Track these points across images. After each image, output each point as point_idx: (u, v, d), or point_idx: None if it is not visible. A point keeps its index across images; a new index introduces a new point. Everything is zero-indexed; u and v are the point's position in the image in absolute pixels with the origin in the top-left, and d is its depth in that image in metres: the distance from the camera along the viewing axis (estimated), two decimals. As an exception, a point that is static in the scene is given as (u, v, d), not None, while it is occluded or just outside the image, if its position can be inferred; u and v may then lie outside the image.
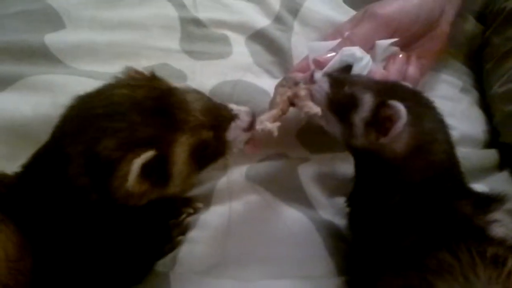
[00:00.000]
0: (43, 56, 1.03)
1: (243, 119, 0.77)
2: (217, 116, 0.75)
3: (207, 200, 0.92)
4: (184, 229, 0.88)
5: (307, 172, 0.95)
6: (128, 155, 0.63)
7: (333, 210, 0.91)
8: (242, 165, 0.96)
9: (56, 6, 1.11)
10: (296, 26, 1.19)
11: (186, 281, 0.77)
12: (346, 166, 0.94)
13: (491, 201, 0.74)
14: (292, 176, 0.94)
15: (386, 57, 1.02)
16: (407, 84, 0.89)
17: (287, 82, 0.88)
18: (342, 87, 0.82)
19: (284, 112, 0.84)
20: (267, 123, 0.78)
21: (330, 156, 0.99)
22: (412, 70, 1.02)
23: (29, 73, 0.99)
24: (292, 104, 0.85)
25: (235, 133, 0.77)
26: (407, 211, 0.75)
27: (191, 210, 0.89)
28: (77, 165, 0.66)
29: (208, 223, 0.87)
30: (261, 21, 1.17)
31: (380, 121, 0.77)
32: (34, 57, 1.02)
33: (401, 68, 1.01)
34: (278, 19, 1.18)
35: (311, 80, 0.85)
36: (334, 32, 1.07)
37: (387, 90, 0.81)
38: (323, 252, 0.84)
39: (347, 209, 0.86)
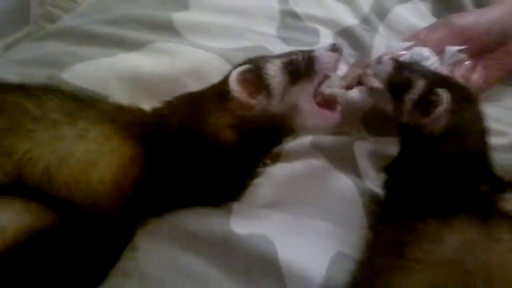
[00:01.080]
0: (168, 29, 1.29)
1: (325, 44, 0.97)
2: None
3: (276, 158, 1.10)
4: (253, 177, 1.07)
5: (361, 148, 1.10)
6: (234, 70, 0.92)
7: (377, 183, 1.05)
8: (310, 136, 1.14)
9: None
10: (381, 29, 1.35)
11: (245, 210, 0.96)
12: (396, 149, 1.08)
13: (508, 186, 0.85)
14: (348, 149, 1.09)
15: (454, 62, 1.14)
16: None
17: (360, 63, 1.05)
18: (402, 70, 0.97)
19: (351, 85, 1.00)
20: (335, 89, 0.96)
21: (385, 140, 1.13)
22: (476, 77, 1.13)
23: (155, 41, 1.25)
24: (359, 82, 1.01)
25: (319, 51, 0.96)
26: (434, 181, 0.88)
27: (261, 164, 1.09)
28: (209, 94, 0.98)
29: (273, 174, 1.05)
30: (350, 20, 1.35)
31: (426, 104, 0.91)
32: (161, 29, 1.29)
33: (465, 74, 1.12)
34: (365, 20, 1.36)
35: (379, 61, 1.01)
36: (412, 35, 1.21)
37: (439, 81, 0.95)
38: (360, 210, 0.98)
39: (385, 176, 1.00)
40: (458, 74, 1.12)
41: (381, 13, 1.37)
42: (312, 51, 0.96)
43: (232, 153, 0.97)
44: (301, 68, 0.94)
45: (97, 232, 0.88)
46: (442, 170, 0.89)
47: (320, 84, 0.97)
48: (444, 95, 0.88)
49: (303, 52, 0.97)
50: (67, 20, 1.46)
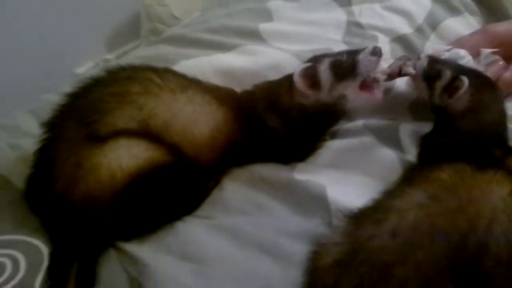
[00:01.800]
0: (255, 36, 1.60)
1: (369, 48, 1.16)
2: (351, 50, 1.22)
3: (334, 135, 1.37)
4: (316, 148, 1.34)
5: (405, 129, 1.33)
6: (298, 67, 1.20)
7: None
8: (363, 118, 1.40)
9: (270, 7, 1.71)
10: (433, 37, 1.58)
11: (306, 167, 1.25)
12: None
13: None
14: (394, 129, 1.33)
15: (488, 62, 1.36)
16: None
17: (403, 57, 1.32)
18: (435, 64, 1.22)
19: (393, 72, 1.27)
20: (379, 75, 1.22)
21: (425, 124, 1.35)
22: (508, 74, 1.34)
23: (245, 44, 1.56)
24: (400, 72, 1.28)
25: (363, 55, 1.15)
26: (457, 148, 1.12)
27: (322, 139, 1.36)
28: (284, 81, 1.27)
29: (331, 146, 1.32)
30: (405, 29, 1.59)
31: (452, 88, 1.16)
32: (250, 36, 1.59)
33: (497, 72, 1.34)
34: (419, 30, 1.60)
35: (418, 58, 1.27)
36: (455, 41, 1.45)
37: (464, 71, 1.19)
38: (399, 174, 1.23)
39: (420, 143, 1.24)
40: (491, 72, 1.33)
41: (433, 24, 1.60)
42: (357, 53, 1.17)
43: (298, 127, 1.26)
44: (344, 68, 1.16)
45: (198, 174, 1.21)
46: (462, 140, 1.13)
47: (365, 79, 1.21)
48: (465, 80, 1.12)
49: (349, 53, 1.19)
50: (175, 30, 1.83)
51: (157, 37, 1.89)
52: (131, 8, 2.29)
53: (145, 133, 1.10)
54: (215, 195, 1.21)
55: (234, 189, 1.20)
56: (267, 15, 1.68)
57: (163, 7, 2.06)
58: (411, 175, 1.06)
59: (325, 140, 1.37)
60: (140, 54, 1.72)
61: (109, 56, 2.32)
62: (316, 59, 1.23)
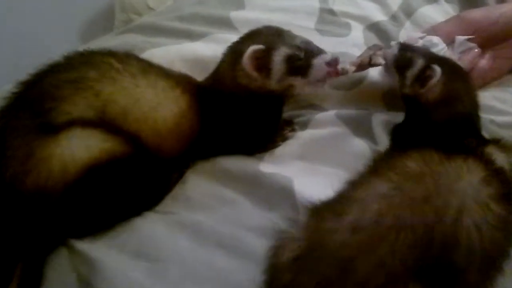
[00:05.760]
0: (226, 24, 1.55)
1: (328, 56, 1.12)
2: (310, 47, 1.14)
3: (305, 125, 1.32)
4: (284, 139, 1.28)
5: (378, 119, 1.29)
6: (250, 47, 1.11)
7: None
8: (335, 108, 1.36)
9: None
10: (407, 24, 1.55)
11: (274, 158, 1.20)
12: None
13: (490, 142, 1.03)
14: (366, 120, 1.29)
15: (463, 50, 1.31)
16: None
17: (374, 47, 1.27)
18: (406, 53, 1.18)
19: (363, 63, 1.22)
20: (348, 65, 1.18)
21: (398, 113, 1.31)
22: (483, 63, 1.31)
23: (214, 33, 1.51)
24: (370, 62, 1.23)
25: (319, 61, 1.11)
26: (427, 135, 1.07)
27: (289, 128, 1.31)
28: (227, 56, 1.22)
29: (300, 137, 1.28)
30: (379, 16, 1.55)
31: (423, 77, 1.12)
32: (221, 24, 1.55)
33: (473, 60, 1.30)
34: (393, 17, 1.56)
35: (389, 46, 1.22)
36: (430, 28, 1.40)
37: (436, 59, 1.14)
38: None
39: (391, 135, 1.20)
40: (466, 60, 1.29)
41: (409, 12, 1.57)
42: (314, 56, 1.12)
43: (244, 109, 1.19)
44: (298, 66, 1.12)
45: (159, 167, 1.14)
46: (435, 129, 1.08)
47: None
48: (437, 69, 1.08)
49: (307, 52, 1.13)
50: (145, 18, 1.76)
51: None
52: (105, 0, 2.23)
53: (102, 122, 1.04)
54: (178, 189, 1.15)
55: (198, 183, 1.15)
56: (239, 3, 1.63)
57: (137, -3, 1.95)
58: (377, 164, 1.01)
59: (294, 130, 1.33)
60: (107, 43, 1.62)
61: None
62: (272, 43, 1.14)
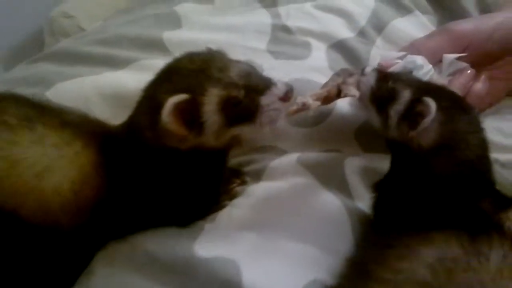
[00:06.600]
0: (158, 47, 1.27)
1: (280, 88, 0.85)
2: (254, 80, 0.85)
3: (258, 176, 1.02)
4: (232, 196, 0.99)
5: (353, 165, 1.01)
6: (170, 97, 0.78)
7: (369, 202, 0.95)
8: (296, 152, 1.05)
9: (179, 11, 1.38)
10: (379, 41, 1.27)
11: (216, 231, 0.88)
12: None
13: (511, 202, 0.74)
14: (337, 166, 1.00)
15: (453, 71, 1.05)
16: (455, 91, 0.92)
17: (343, 73, 0.97)
18: (386, 81, 0.88)
19: (330, 95, 0.92)
20: (309, 98, 0.87)
21: (379, 156, 1.03)
22: (479, 86, 1.03)
23: (142, 58, 1.23)
24: (339, 92, 0.93)
25: (269, 98, 0.84)
26: (429, 199, 0.78)
27: (238, 181, 1.01)
28: (143, 106, 0.88)
29: (253, 194, 0.97)
30: (345, 33, 1.27)
31: (413, 115, 0.82)
32: (151, 47, 1.27)
33: (466, 83, 1.03)
34: (362, 33, 1.27)
35: (362, 72, 0.93)
36: (409, 45, 1.13)
37: (427, 90, 0.85)
38: (348, 232, 0.88)
39: (374, 195, 0.90)
40: (458, 84, 1.02)
41: (379, 26, 1.29)
42: (260, 92, 0.85)
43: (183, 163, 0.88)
44: (240, 112, 0.84)
45: (51, 253, 0.81)
46: (436, 189, 0.79)
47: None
48: (430, 103, 0.79)
49: (251, 87, 0.85)
50: (62, 43, 1.47)
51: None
52: (34, 23, 1.99)
53: None
54: (81, 285, 0.83)
55: (107, 275, 0.83)
56: (175, 21, 1.36)
57: (69, 19, 1.80)
58: (365, 258, 0.70)
59: (245, 183, 1.02)
60: (15, 74, 1.35)
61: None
62: (197, 86, 0.83)
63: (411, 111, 0.83)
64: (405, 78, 0.90)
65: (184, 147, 0.84)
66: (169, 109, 0.78)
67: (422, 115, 0.80)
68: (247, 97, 0.83)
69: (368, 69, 0.93)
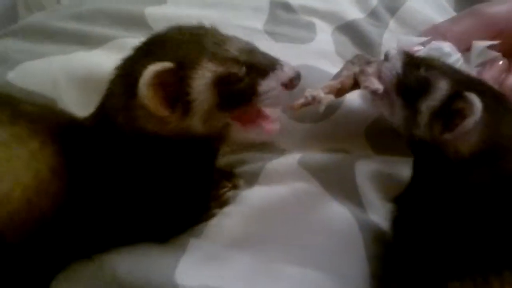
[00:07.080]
0: (138, 24, 1.14)
1: (286, 73, 0.72)
2: (257, 59, 0.73)
3: (253, 178, 0.90)
4: (222, 203, 0.86)
5: (364, 169, 0.89)
6: (149, 67, 0.65)
7: (384, 214, 0.81)
8: (297, 151, 0.93)
9: None
10: (392, 24, 1.16)
11: (202, 250, 0.74)
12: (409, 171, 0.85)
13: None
14: (347, 171, 0.88)
15: (483, 61, 0.91)
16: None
17: (359, 60, 0.83)
18: (417, 68, 0.75)
19: (344, 87, 0.78)
20: (321, 91, 0.73)
21: (394, 159, 0.91)
22: (512, 80, 0.90)
23: (120, 36, 1.10)
24: (355, 84, 0.78)
25: (272, 83, 0.72)
26: (465, 220, 0.64)
27: (229, 185, 0.88)
28: (117, 85, 0.74)
29: (246, 201, 0.85)
30: (354, 13, 1.16)
31: (450, 113, 0.69)
32: (131, 24, 1.14)
33: (498, 76, 0.90)
34: (373, 14, 1.17)
35: (385, 57, 0.78)
36: (430, 29, 1.00)
37: (468, 82, 0.72)
38: (361, 253, 0.76)
39: (394, 211, 0.76)
40: (488, 77, 0.88)
41: (392, 6, 1.17)
42: (263, 73, 0.73)
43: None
44: (237, 92, 0.72)
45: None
46: (477, 207, 0.65)
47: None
48: (475, 100, 0.64)
49: (253, 66, 0.73)
50: (33, 17, 1.33)
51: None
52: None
53: None
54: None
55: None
56: None
57: (46, -9, 1.70)
58: None
59: (237, 187, 0.89)
60: None
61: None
62: (188, 56, 0.70)
63: (449, 108, 0.69)
64: (441, 66, 0.76)
65: (165, 133, 0.71)
66: (148, 78, 0.65)
67: (462, 115, 0.66)
68: (247, 76, 0.71)
69: (393, 52, 0.78)
